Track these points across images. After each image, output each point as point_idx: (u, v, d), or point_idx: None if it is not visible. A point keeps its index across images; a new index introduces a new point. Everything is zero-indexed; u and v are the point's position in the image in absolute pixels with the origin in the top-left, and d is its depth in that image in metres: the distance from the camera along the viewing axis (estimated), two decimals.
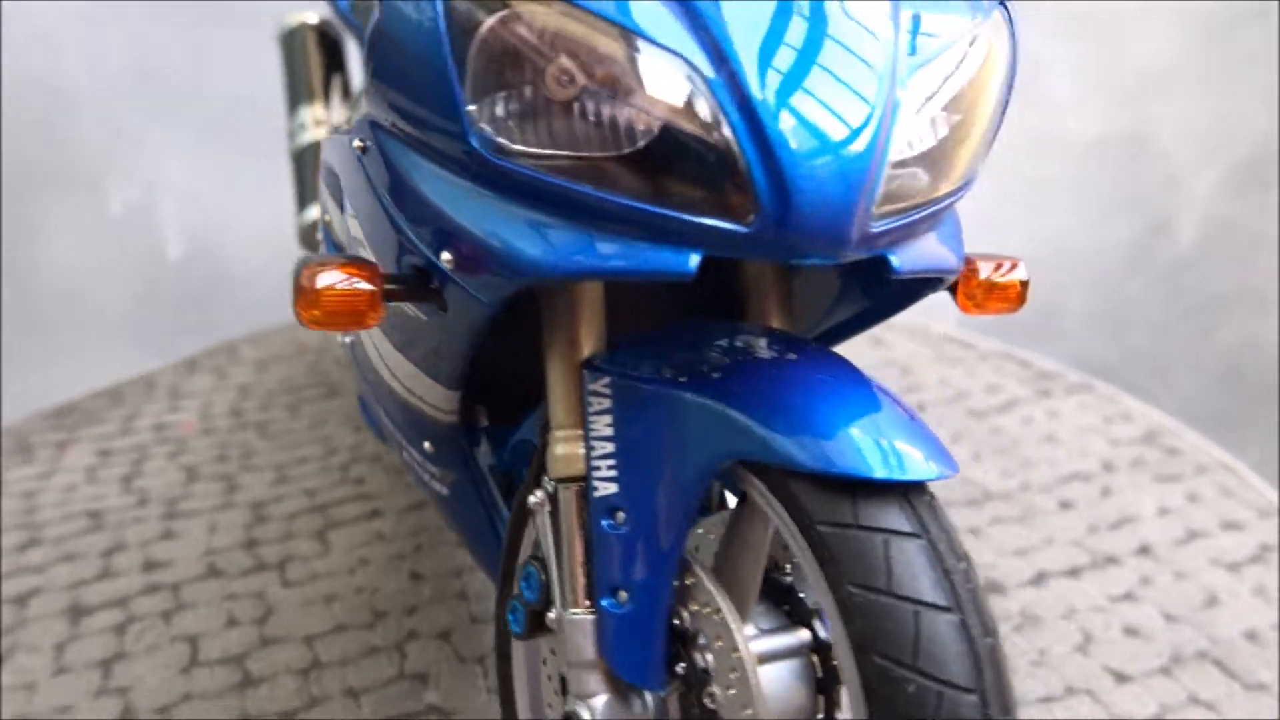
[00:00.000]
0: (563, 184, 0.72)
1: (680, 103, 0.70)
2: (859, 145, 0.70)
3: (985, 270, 0.97)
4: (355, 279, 0.80)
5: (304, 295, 0.78)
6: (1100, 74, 2.86)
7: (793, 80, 0.70)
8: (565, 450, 0.90)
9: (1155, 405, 2.26)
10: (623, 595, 0.87)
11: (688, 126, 0.70)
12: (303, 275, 0.79)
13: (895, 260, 0.78)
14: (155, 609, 1.62)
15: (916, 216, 0.77)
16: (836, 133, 0.70)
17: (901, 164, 0.75)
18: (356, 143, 0.92)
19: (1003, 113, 0.86)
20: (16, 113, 2.18)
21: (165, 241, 2.41)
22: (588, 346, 0.91)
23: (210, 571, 1.71)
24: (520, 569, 1.01)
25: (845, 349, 0.98)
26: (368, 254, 0.97)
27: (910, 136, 0.76)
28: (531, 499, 0.96)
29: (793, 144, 0.69)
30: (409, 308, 0.96)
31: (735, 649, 0.83)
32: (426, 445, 1.19)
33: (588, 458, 0.88)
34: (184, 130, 2.36)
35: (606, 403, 0.87)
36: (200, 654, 1.52)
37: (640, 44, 0.70)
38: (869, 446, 0.76)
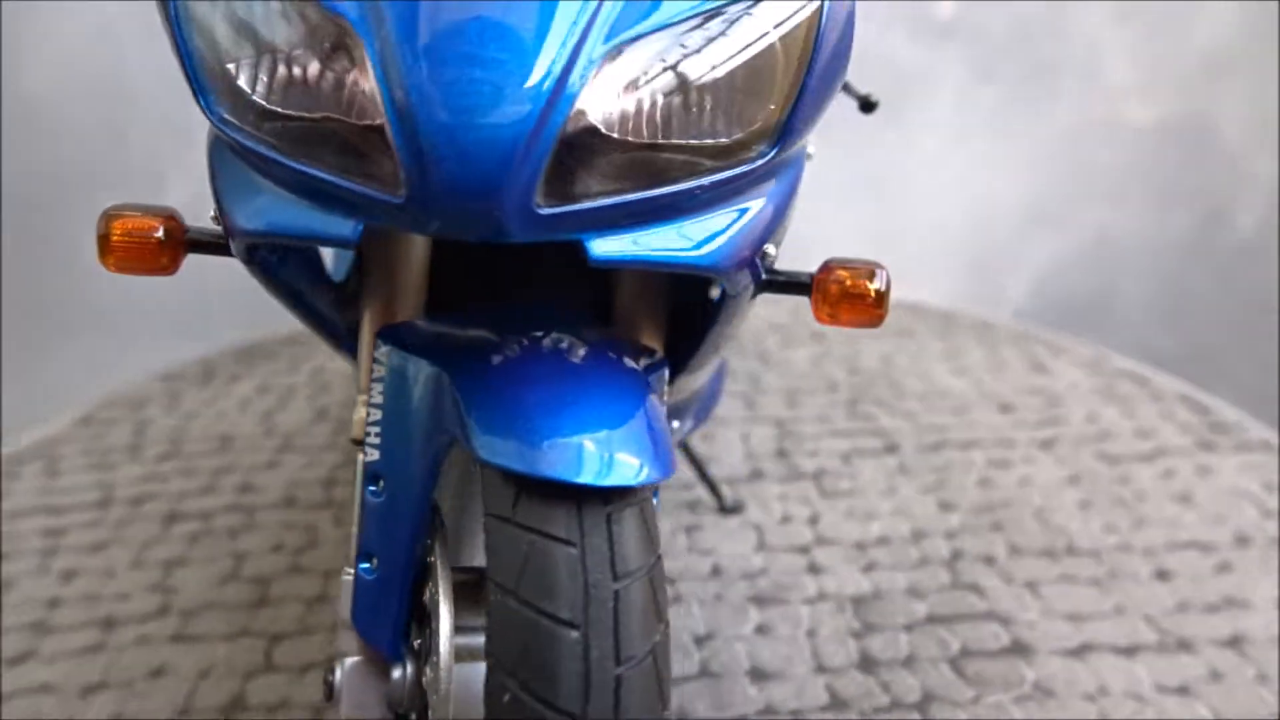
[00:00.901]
0: (251, 146, 0.74)
1: (346, 66, 0.70)
2: (511, 118, 0.66)
3: (838, 276, 0.88)
4: (148, 228, 0.86)
5: (100, 242, 0.86)
6: (1160, 58, 2.66)
7: (446, 45, 0.67)
8: (359, 414, 0.92)
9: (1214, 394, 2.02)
10: (375, 562, 0.88)
11: (351, 92, 0.70)
12: (100, 222, 0.86)
13: (594, 248, 0.73)
14: (227, 525, 1.82)
15: (615, 201, 0.71)
16: (485, 104, 0.66)
17: (589, 142, 0.69)
18: None
19: (798, 98, 0.76)
20: (79, 109, 2.36)
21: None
22: (401, 314, 0.93)
23: (286, 501, 1.89)
24: None
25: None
26: None
27: (618, 113, 0.70)
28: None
29: (434, 114, 0.66)
30: None
31: (439, 632, 0.81)
32: None
33: (366, 423, 0.90)
34: None
35: (382, 370, 0.88)
36: (241, 570, 1.69)
37: (311, 8, 0.70)
38: (566, 450, 0.72)
